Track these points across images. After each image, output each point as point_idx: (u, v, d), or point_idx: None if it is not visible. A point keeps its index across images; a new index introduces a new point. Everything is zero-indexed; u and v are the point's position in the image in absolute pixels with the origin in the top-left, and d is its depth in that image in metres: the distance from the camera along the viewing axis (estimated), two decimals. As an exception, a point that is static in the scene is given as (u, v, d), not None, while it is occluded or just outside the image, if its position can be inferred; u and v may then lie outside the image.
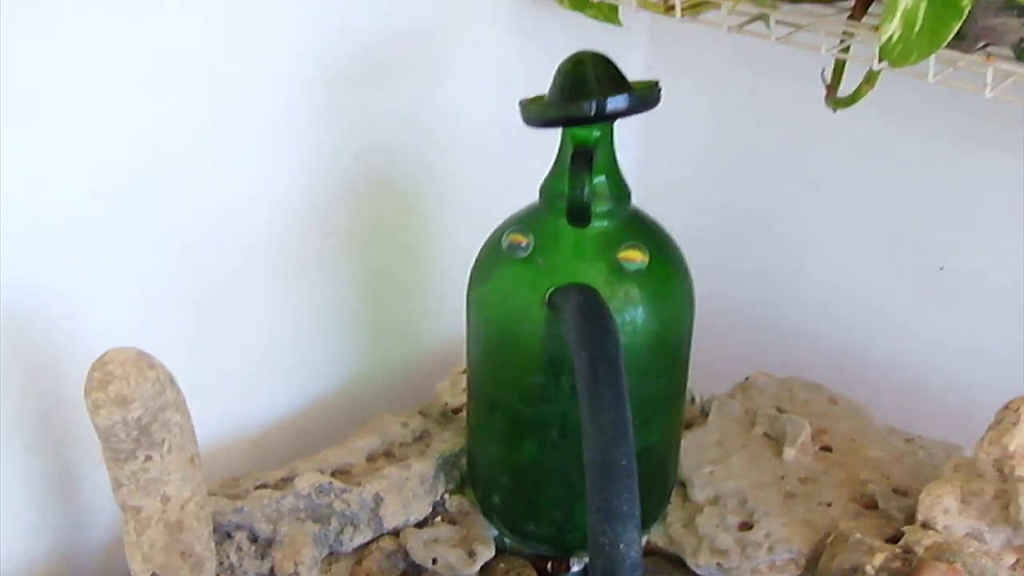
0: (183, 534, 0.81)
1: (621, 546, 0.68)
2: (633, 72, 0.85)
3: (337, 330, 1.11)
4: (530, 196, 0.92)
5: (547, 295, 0.84)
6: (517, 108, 0.86)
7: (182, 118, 0.91)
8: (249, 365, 1.01)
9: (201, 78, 0.91)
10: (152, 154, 0.90)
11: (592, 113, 0.82)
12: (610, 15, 1.08)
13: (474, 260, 0.93)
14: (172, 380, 0.77)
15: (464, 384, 1.06)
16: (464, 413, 1.04)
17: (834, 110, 1.01)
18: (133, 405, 0.74)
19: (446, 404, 1.08)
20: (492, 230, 0.93)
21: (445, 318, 1.18)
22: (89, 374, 0.74)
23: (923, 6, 0.82)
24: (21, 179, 0.83)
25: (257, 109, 0.96)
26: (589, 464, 0.70)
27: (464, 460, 1.02)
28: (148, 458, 0.77)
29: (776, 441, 1.07)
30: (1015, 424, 0.91)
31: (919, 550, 0.92)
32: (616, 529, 0.68)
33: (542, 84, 0.87)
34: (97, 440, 0.87)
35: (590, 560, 0.69)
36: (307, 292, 1.07)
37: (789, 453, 1.05)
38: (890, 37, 0.83)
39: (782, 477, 1.03)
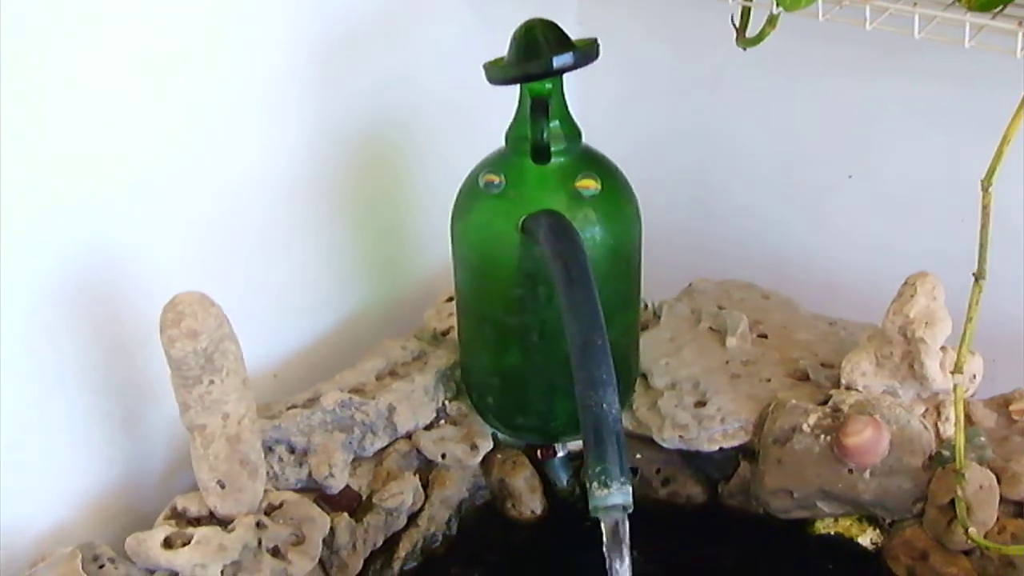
0: (241, 445, 0.95)
1: (604, 406, 0.81)
2: (568, 29, 0.98)
3: (337, 272, 1.22)
4: (490, 144, 1.04)
5: (520, 222, 0.97)
6: (480, 69, 0.99)
7: (202, 101, 1.03)
8: (267, 308, 1.12)
9: (219, 63, 1.03)
10: (184, 129, 1.02)
11: (545, 69, 0.95)
12: None
13: (455, 199, 1.04)
14: (225, 316, 0.90)
15: (448, 310, 1.19)
16: (451, 334, 1.17)
17: (744, 49, 1.10)
18: (201, 337, 0.88)
19: (435, 328, 1.20)
20: (460, 176, 1.05)
21: (427, 255, 1.29)
22: (163, 315, 0.87)
23: None
24: (87, 155, 0.95)
25: (261, 88, 1.08)
26: (572, 346, 0.83)
27: (458, 372, 1.14)
28: (211, 382, 0.91)
29: (720, 333, 1.18)
30: (912, 296, 1.02)
31: (845, 408, 1.04)
32: (599, 393, 0.81)
33: (496, 45, 0.99)
34: (152, 382, 1.01)
35: (581, 421, 0.81)
36: (311, 242, 1.18)
37: (731, 342, 1.16)
38: None
39: (727, 362, 1.15)
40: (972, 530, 0.98)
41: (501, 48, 0.99)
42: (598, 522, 0.83)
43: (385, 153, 1.23)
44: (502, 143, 1.04)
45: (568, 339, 0.84)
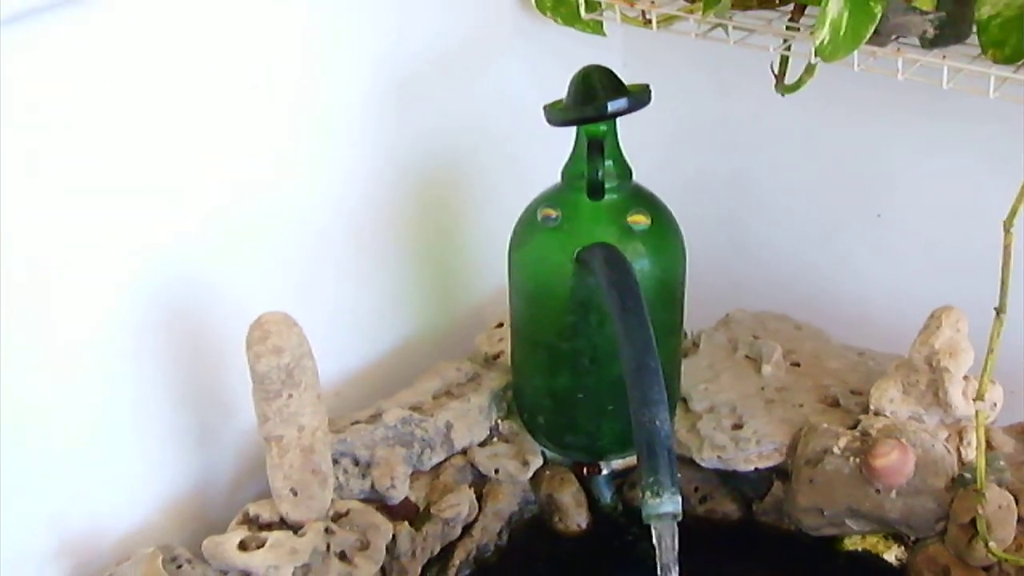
0: (314, 456, 1.01)
1: (657, 422, 0.87)
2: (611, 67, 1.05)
3: (397, 299, 1.28)
4: (537, 182, 1.11)
5: (575, 253, 1.04)
6: (539, 110, 1.05)
7: (285, 138, 1.11)
8: (334, 329, 1.17)
9: (302, 102, 1.11)
10: (270, 164, 1.10)
11: (601, 113, 1.02)
12: (596, 28, 1.26)
13: (512, 230, 1.11)
14: (305, 336, 0.97)
15: (498, 336, 1.26)
16: (502, 358, 1.23)
17: (782, 95, 1.16)
18: (284, 354, 0.95)
19: (486, 352, 1.26)
20: (510, 212, 1.12)
21: (479, 285, 1.36)
22: (250, 332, 0.95)
23: (846, 15, 0.99)
24: (178, 186, 1.03)
25: (338, 126, 1.15)
26: (627, 368, 0.90)
27: (509, 393, 1.21)
28: (290, 396, 0.97)
29: (755, 361, 1.23)
30: (938, 328, 1.08)
31: (873, 432, 1.10)
32: (652, 410, 0.87)
33: (549, 86, 1.07)
34: (226, 398, 1.08)
35: (635, 436, 0.87)
36: (374, 270, 1.24)
37: (766, 369, 1.22)
38: (822, 40, 1.00)
39: (762, 388, 1.20)
40: (992, 544, 1.03)
41: (553, 90, 1.06)
42: (639, 537, 0.92)
43: (444, 189, 1.30)
44: (549, 181, 1.10)
45: (623, 362, 0.91)
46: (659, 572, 0.89)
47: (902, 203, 1.36)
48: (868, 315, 1.37)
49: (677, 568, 0.90)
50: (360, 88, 1.17)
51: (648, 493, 0.86)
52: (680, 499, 0.87)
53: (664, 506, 0.86)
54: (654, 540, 0.89)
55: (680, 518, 0.87)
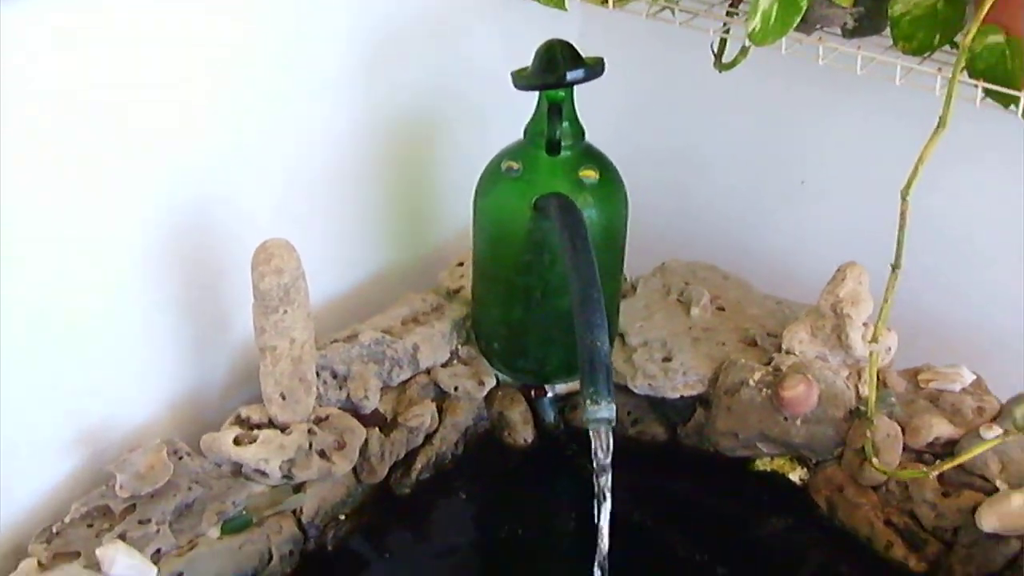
0: (301, 366, 1.15)
1: (598, 343, 1.00)
2: (569, 39, 1.16)
3: (369, 235, 1.41)
4: (497, 138, 1.23)
5: (533, 201, 1.17)
6: (504, 74, 1.18)
7: (278, 87, 1.22)
8: (315, 259, 1.20)
9: (291, 56, 1.22)
10: (265, 110, 1.21)
11: (560, 81, 1.15)
12: (558, 3, 1.28)
13: (478, 180, 1.23)
14: (300, 260, 1.10)
15: (459, 273, 1.38)
16: (461, 292, 1.36)
17: (720, 72, 1.27)
18: (284, 274, 1.08)
19: (448, 287, 1.39)
20: (472, 163, 1.23)
21: (444, 227, 1.48)
22: (256, 254, 1.08)
23: (776, 7, 1.08)
24: (189, 126, 1.15)
25: (323, 76, 1.27)
26: (574, 296, 1.02)
27: (468, 322, 1.33)
28: (285, 312, 1.11)
29: (685, 305, 1.36)
30: (843, 280, 1.21)
31: (784, 368, 1.23)
32: (594, 333, 1.00)
33: (514, 52, 1.18)
34: (223, 315, 1.21)
35: (579, 354, 1.00)
36: (351, 208, 1.36)
37: (695, 312, 1.34)
38: (754, 28, 1.09)
39: (690, 328, 1.33)
40: (875, 461, 1.18)
41: (517, 57, 1.18)
42: (578, 452, 1.08)
43: (416, 142, 1.41)
44: (511, 137, 1.22)
45: (571, 292, 1.04)
46: (595, 471, 1.02)
47: (822, 173, 1.47)
48: (787, 269, 1.46)
49: (610, 472, 1.02)
50: (345, 40, 1.27)
51: (589, 401, 0.99)
52: (615, 408, 1.00)
53: (601, 412, 0.99)
54: (592, 443, 1.02)
55: (614, 423, 1.00)
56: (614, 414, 1.00)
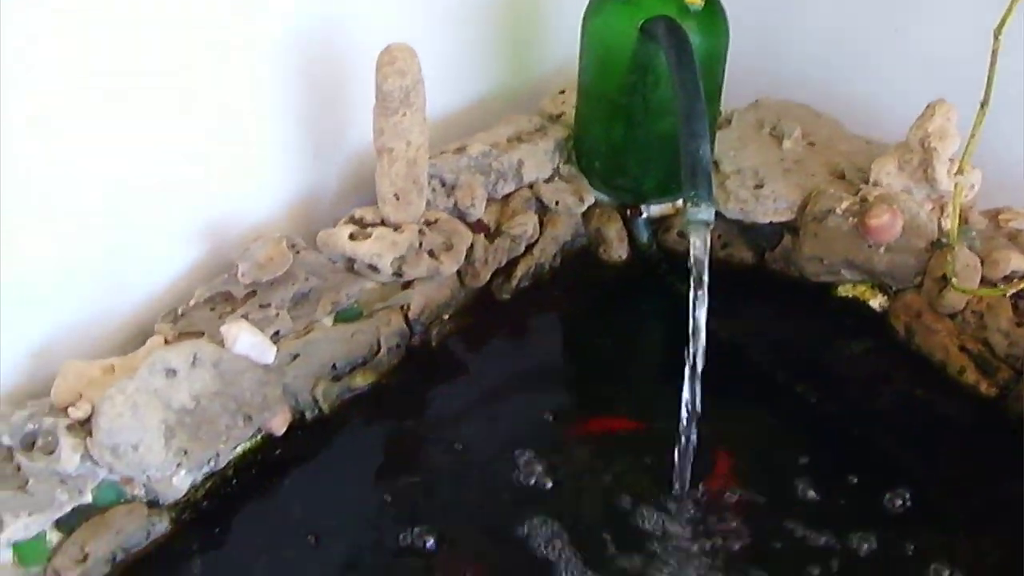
0: (415, 168, 1.22)
1: (700, 151, 1.06)
2: None
3: (480, 59, 1.47)
4: None
5: (640, 24, 1.22)
6: None
7: None
8: (431, 73, 1.25)
9: None
10: None
11: None
12: None
13: (588, 2, 1.28)
14: (420, 65, 1.16)
15: (561, 100, 1.45)
16: (563, 117, 1.42)
17: None
18: (406, 76, 1.14)
19: (550, 113, 1.45)
20: None
21: (548, 56, 1.53)
22: (380, 56, 1.14)
23: None
24: None
25: None
26: (679, 109, 1.09)
27: (570, 144, 1.39)
28: (404, 114, 1.17)
29: (777, 138, 1.41)
30: (932, 116, 1.24)
31: (870, 198, 1.28)
32: (697, 141, 1.06)
33: None
34: (337, 123, 1.27)
35: (682, 162, 1.06)
36: (466, 30, 1.42)
37: (786, 144, 1.39)
38: None
39: (782, 159, 1.38)
40: (955, 280, 1.22)
41: None
42: (668, 272, 1.18)
43: None
44: None
45: (677, 103, 1.10)
46: (692, 270, 1.07)
47: (917, 20, 1.49)
48: (879, 111, 1.46)
49: (707, 272, 1.06)
50: None
51: (690, 204, 1.05)
52: (714, 211, 1.05)
53: (701, 213, 1.05)
54: (691, 245, 1.07)
55: (712, 225, 1.06)
56: (713, 216, 1.05)
